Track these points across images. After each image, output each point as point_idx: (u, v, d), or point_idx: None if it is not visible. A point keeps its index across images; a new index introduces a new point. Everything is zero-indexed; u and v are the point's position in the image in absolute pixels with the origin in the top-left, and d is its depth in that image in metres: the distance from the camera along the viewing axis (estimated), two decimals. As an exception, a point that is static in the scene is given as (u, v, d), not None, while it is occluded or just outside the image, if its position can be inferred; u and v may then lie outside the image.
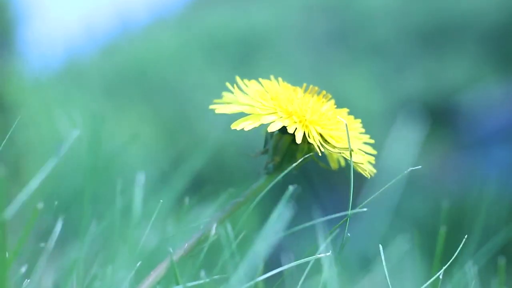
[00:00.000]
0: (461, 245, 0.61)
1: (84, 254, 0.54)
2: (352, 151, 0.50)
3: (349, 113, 0.56)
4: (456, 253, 0.64)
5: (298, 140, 0.50)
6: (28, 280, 0.52)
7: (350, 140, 0.51)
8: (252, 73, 0.58)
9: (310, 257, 0.49)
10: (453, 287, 0.64)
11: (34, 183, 0.41)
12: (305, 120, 0.51)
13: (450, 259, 0.63)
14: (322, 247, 0.51)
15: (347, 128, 0.49)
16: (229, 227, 0.56)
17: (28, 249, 0.59)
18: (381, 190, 0.52)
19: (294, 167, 0.53)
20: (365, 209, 0.53)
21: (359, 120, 0.56)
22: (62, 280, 0.56)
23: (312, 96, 0.53)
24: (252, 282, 0.50)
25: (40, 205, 0.44)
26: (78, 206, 0.58)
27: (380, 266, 0.64)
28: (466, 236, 0.62)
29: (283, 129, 0.51)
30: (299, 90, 0.53)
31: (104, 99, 3.47)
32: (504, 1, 3.94)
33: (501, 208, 2.60)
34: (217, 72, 3.58)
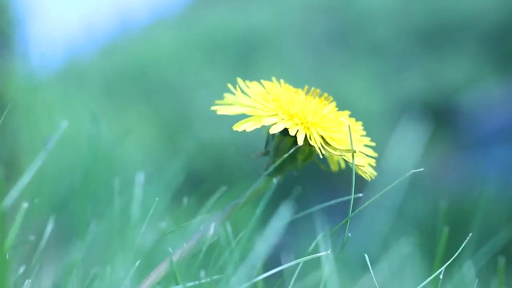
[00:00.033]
0: (462, 246, 0.61)
1: (84, 254, 0.54)
2: (355, 152, 0.51)
3: (349, 114, 0.56)
4: (457, 253, 0.64)
5: (300, 142, 0.50)
6: (29, 280, 0.52)
7: (345, 144, 0.51)
8: (252, 73, 0.58)
9: (309, 256, 0.49)
10: (453, 287, 0.64)
11: (23, 181, 0.41)
12: (307, 122, 0.51)
13: (450, 259, 0.63)
14: (322, 246, 0.51)
15: (350, 130, 0.49)
16: (228, 227, 0.56)
17: (28, 249, 0.59)
18: (381, 192, 0.52)
19: (295, 169, 0.53)
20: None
21: (360, 123, 0.56)
22: (62, 280, 0.56)
23: (314, 98, 0.53)
24: (251, 282, 0.50)
25: (25, 205, 0.44)
26: (78, 206, 0.58)
27: (381, 266, 0.64)
28: (469, 236, 0.62)
29: (285, 131, 0.51)
30: (300, 92, 0.53)
31: (104, 99, 3.47)
32: (504, 1, 3.94)
33: (501, 208, 2.60)
34: (217, 72, 3.58)
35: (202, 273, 0.53)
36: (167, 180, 0.69)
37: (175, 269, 0.48)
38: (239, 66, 3.81)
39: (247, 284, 0.50)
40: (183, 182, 0.73)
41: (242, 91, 0.53)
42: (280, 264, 0.52)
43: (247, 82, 0.55)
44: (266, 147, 0.54)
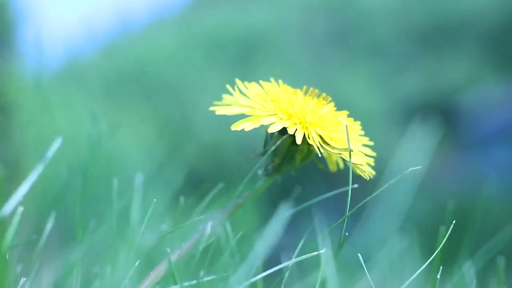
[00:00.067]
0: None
1: (84, 253, 0.54)
2: (352, 151, 0.51)
3: (349, 114, 0.56)
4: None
5: (299, 141, 0.50)
6: (29, 280, 0.52)
7: (350, 142, 0.51)
8: (252, 73, 0.58)
9: (308, 255, 0.49)
10: (453, 287, 0.64)
11: (23, 189, 0.41)
12: (305, 121, 0.51)
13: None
14: (321, 246, 0.51)
15: (347, 130, 0.49)
16: (228, 227, 0.56)
17: (27, 249, 0.59)
18: (377, 192, 0.52)
19: (294, 168, 0.53)
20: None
21: (359, 122, 0.56)
22: (62, 280, 0.56)
23: (312, 99, 0.53)
24: (251, 281, 0.50)
25: (21, 209, 0.44)
26: (78, 206, 0.58)
27: (381, 266, 0.64)
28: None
29: (283, 131, 0.51)
30: (299, 93, 0.54)
31: (104, 99, 3.47)
32: (504, 1, 3.94)
33: (501, 208, 2.60)
34: (217, 72, 3.58)
35: (201, 273, 0.53)
36: (167, 180, 0.69)
37: (174, 269, 0.48)
38: (239, 66, 3.81)
39: (247, 283, 0.50)
40: (183, 182, 0.73)
41: (241, 92, 0.54)
42: (280, 264, 0.52)
43: (246, 83, 0.55)
44: (264, 147, 0.54)
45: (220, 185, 0.55)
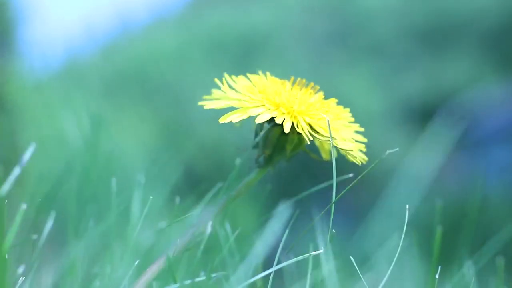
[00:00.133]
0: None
1: (83, 253, 0.54)
2: (335, 139, 0.51)
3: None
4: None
5: (286, 130, 0.50)
6: (24, 278, 0.52)
7: (333, 131, 0.51)
8: (251, 73, 0.58)
9: (306, 255, 0.49)
10: (453, 287, 0.64)
11: (5, 187, 0.41)
12: (293, 111, 0.51)
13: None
14: (320, 246, 0.51)
15: (329, 124, 0.49)
16: (227, 226, 0.56)
17: (27, 249, 0.59)
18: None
19: (285, 159, 0.53)
20: (350, 175, 0.53)
21: (348, 110, 0.56)
22: (61, 279, 0.56)
23: (300, 89, 0.53)
24: (250, 281, 0.50)
25: (24, 206, 0.44)
26: (77, 206, 0.58)
27: (380, 266, 0.64)
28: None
29: (272, 122, 0.52)
30: (287, 83, 0.54)
31: (104, 99, 3.48)
32: (504, 1, 3.94)
33: (501, 208, 2.60)
34: (217, 72, 3.58)
35: (201, 272, 0.53)
36: (166, 179, 0.69)
37: (173, 267, 0.48)
38: (239, 66, 3.81)
39: (246, 283, 0.50)
40: (183, 181, 0.73)
41: (229, 86, 0.54)
42: (279, 264, 0.52)
43: (234, 76, 0.55)
44: (255, 139, 0.54)
45: (219, 185, 0.55)
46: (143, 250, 0.55)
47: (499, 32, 3.91)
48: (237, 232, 0.56)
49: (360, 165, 0.53)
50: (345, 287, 0.59)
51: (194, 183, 0.68)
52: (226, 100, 0.53)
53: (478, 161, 3.43)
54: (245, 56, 4.05)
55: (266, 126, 0.53)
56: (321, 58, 4.07)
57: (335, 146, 0.52)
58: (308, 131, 0.51)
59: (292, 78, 0.54)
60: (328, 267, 0.50)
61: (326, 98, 0.55)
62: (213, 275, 0.51)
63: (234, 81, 0.55)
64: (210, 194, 0.55)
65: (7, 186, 0.41)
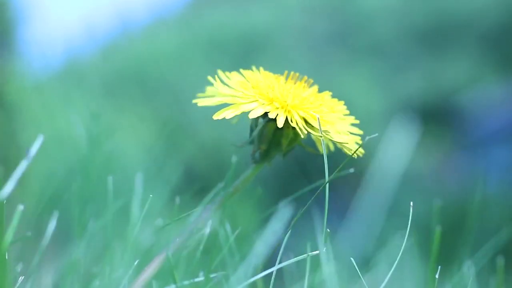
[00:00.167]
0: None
1: (83, 253, 0.54)
2: (329, 132, 0.51)
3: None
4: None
5: (280, 124, 0.50)
6: (23, 277, 0.52)
7: (328, 124, 0.51)
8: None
9: (305, 255, 0.49)
10: (453, 287, 0.64)
11: (8, 187, 0.41)
12: (287, 105, 0.51)
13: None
14: (320, 246, 0.51)
15: (319, 122, 0.49)
16: (227, 226, 0.56)
17: (27, 249, 0.59)
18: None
19: (281, 153, 0.53)
20: (351, 170, 0.53)
21: (343, 102, 0.55)
22: (61, 279, 0.56)
23: (294, 83, 0.53)
24: (250, 281, 0.50)
25: (21, 207, 0.44)
26: (77, 205, 0.58)
27: (380, 266, 0.64)
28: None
29: (267, 117, 0.51)
30: (281, 78, 0.54)
31: (104, 99, 3.48)
32: (504, 1, 3.94)
33: (501, 208, 2.60)
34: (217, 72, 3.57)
35: (201, 272, 0.53)
36: (166, 179, 0.69)
37: (172, 267, 0.48)
38: (239, 66, 3.80)
39: (246, 283, 0.50)
40: (183, 181, 0.73)
41: (222, 82, 0.54)
42: (280, 264, 0.52)
43: (227, 73, 0.55)
44: (250, 135, 0.54)
45: (219, 185, 0.55)
46: (143, 250, 0.55)
47: (499, 32, 3.91)
48: (237, 232, 0.56)
49: (356, 157, 0.53)
50: (345, 287, 0.59)
51: (194, 183, 0.68)
52: (219, 96, 0.53)
53: (478, 161, 3.43)
54: (245, 56, 4.05)
55: (261, 121, 0.53)
56: (321, 58, 4.07)
57: (331, 139, 0.52)
58: (303, 125, 0.51)
59: (286, 72, 0.54)
60: (328, 267, 0.50)
61: (308, 81, 0.54)
62: (213, 275, 0.51)
63: (228, 77, 0.55)
64: (210, 194, 0.55)
65: (10, 185, 0.41)
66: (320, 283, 0.52)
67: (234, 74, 0.55)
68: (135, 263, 0.51)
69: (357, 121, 0.55)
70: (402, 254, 0.54)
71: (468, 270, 0.64)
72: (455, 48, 3.98)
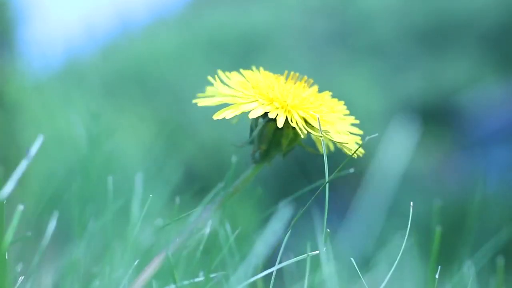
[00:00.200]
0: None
1: (83, 253, 0.54)
2: (329, 132, 0.51)
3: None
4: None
5: (280, 124, 0.50)
6: (23, 277, 0.52)
7: (328, 124, 0.51)
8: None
9: (305, 255, 0.49)
10: (453, 287, 0.64)
11: (9, 187, 0.41)
12: (287, 105, 0.51)
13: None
14: (320, 246, 0.51)
15: (319, 122, 0.49)
16: (227, 226, 0.56)
17: (27, 248, 0.59)
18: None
19: (281, 153, 0.53)
20: (351, 170, 0.53)
21: (343, 102, 0.55)
22: (61, 279, 0.56)
23: (294, 83, 0.53)
24: (250, 281, 0.50)
25: (21, 207, 0.44)
26: (77, 205, 0.58)
27: (380, 266, 0.64)
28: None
29: (267, 117, 0.51)
30: (281, 78, 0.54)
31: (104, 99, 3.48)
32: (504, 1, 3.94)
33: (501, 208, 2.60)
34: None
35: (201, 272, 0.53)
36: (166, 179, 0.69)
37: (172, 267, 0.48)
38: (239, 66, 3.80)
39: (246, 283, 0.50)
40: (183, 181, 0.73)
41: (222, 82, 0.54)
42: (279, 264, 0.52)
43: (227, 73, 0.55)
44: (250, 135, 0.54)
45: (219, 184, 0.55)
46: (143, 250, 0.55)
47: (499, 32, 3.91)
48: (237, 232, 0.56)
49: (356, 157, 0.53)
50: (345, 287, 0.59)
51: (194, 183, 0.68)
52: (219, 96, 0.53)
53: (478, 161, 3.43)
54: (245, 56, 4.05)
55: (261, 121, 0.53)
56: (321, 58, 4.07)
57: (331, 139, 0.52)
58: (303, 125, 0.51)
59: (286, 72, 0.54)
60: (328, 267, 0.50)
61: (308, 81, 0.54)
62: (213, 275, 0.51)
63: (228, 77, 0.55)
64: (210, 194, 0.55)
65: (10, 185, 0.41)
66: (320, 283, 0.52)
67: (234, 74, 0.55)
68: (135, 263, 0.51)
69: (357, 121, 0.55)
70: (402, 254, 0.54)
71: (468, 270, 0.64)
72: (455, 48, 3.98)
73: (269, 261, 0.53)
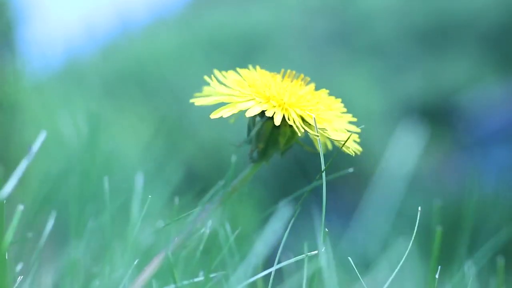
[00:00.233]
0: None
1: (83, 253, 0.54)
2: (326, 130, 0.51)
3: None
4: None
5: (277, 122, 0.50)
6: (22, 277, 0.52)
7: (325, 121, 0.51)
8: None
9: (304, 255, 0.49)
10: (453, 287, 0.64)
11: (9, 186, 0.41)
12: (284, 103, 0.51)
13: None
14: (320, 246, 0.51)
15: (315, 122, 0.49)
16: (227, 226, 0.56)
17: (27, 248, 0.59)
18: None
19: (279, 152, 0.53)
20: (350, 170, 0.53)
21: (340, 100, 0.55)
22: (61, 279, 0.56)
23: (291, 81, 0.53)
24: (250, 281, 0.50)
25: (21, 207, 0.44)
26: (76, 205, 0.58)
27: (381, 266, 0.64)
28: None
29: (264, 115, 0.51)
30: (277, 76, 0.54)
31: (104, 99, 3.47)
32: (504, 1, 3.94)
33: (501, 208, 2.60)
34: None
35: (201, 272, 0.53)
36: (166, 179, 0.69)
37: (172, 267, 0.48)
38: (239, 66, 3.80)
39: (246, 283, 0.50)
40: (183, 181, 0.73)
41: (219, 81, 0.54)
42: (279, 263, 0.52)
43: (224, 72, 0.55)
44: (248, 134, 0.54)
45: (219, 184, 0.55)
46: (142, 250, 0.55)
47: (499, 32, 3.91)
48: (237, 232, 0.56)
49: (353, 155, 0.53)
50: (344, 287, 0.59)
51: (194, 183, 0.68)
52: (216, 95, 0.53)
53: (478, 161, 3.42)
54: (245, 56, 4.05)
55: (259, 120, 0.53)
56: (321, 58, 4.07)
57: (328, 137, 0.52)
58: (300, 123, 0.51)
59: (282, 70, 0.54)
60: (328, 267, 0.50)
61: (304, 79, 0.55)
62: (212, 275, 0.51)
63: (224, 77, 0.55)
64: (209, 194, 0.55)
65: (10, 185, 0.41)
66: (320, 283, 0.52)
67: (230, 73, 0.55)
68: (135, 263, 0.51)
69: (355, 119, 0.55)
70: (402, 254, 0.54)
71: (468, 270, 0.64)
72: (455, 48, 3.98)
73: (269, 261, 0.53)
